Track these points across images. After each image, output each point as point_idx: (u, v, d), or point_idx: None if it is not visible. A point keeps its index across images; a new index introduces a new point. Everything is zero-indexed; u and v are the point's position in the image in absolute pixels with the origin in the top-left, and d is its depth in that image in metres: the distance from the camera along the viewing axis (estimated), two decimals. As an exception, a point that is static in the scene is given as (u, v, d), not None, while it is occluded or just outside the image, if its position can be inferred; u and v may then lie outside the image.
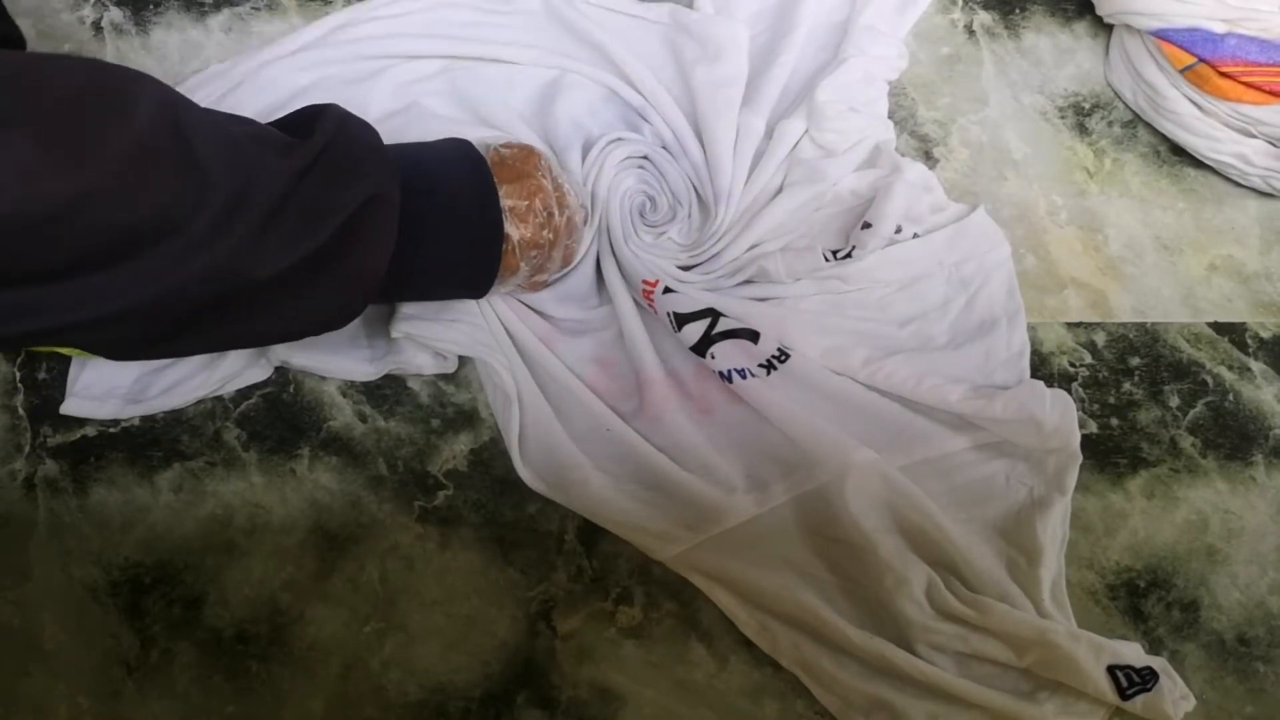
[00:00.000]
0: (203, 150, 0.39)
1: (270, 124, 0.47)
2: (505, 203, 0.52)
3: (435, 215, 0.50)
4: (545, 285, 0.59)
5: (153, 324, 0.41)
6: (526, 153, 0.54)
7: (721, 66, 0.64)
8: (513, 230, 0.52)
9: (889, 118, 0.67)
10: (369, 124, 0.48)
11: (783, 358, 0.57)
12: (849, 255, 0.59)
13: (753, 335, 0.57)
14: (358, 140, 0.47)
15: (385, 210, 0.46)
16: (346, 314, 0.50)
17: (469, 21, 0.67)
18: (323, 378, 0.59)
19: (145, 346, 0.45)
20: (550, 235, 0.54)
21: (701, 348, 0.57)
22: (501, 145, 0.54)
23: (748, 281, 0.60)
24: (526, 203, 0.52)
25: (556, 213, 0.54)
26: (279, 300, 0.45)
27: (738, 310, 0.58)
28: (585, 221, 0.58)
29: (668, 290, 0.58)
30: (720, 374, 0.56)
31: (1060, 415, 0.55)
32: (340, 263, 0.45)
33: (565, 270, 0.59)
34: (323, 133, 0.44)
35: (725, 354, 0.57)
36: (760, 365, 0.57)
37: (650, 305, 0.58)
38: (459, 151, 0.53)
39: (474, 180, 0.52)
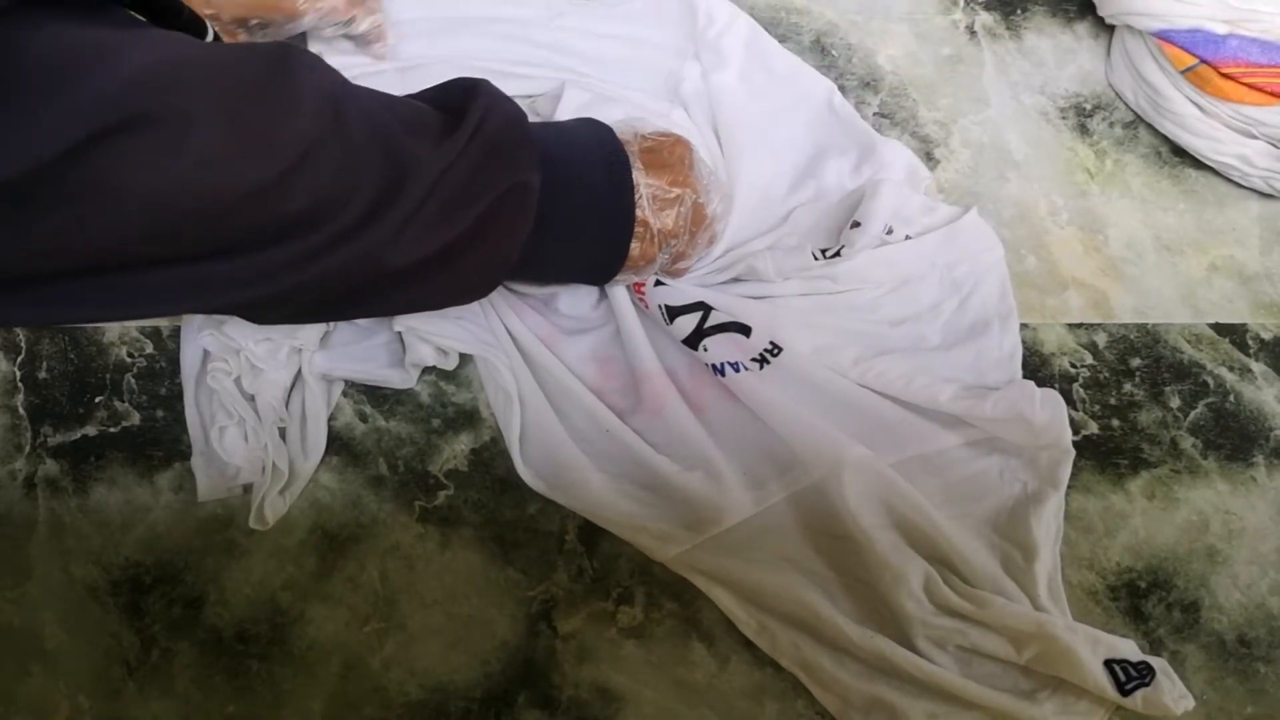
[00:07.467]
0: (359, 143, 0.40)
1: (422, 94, 0.47)
2: (649, 191, 0.51)
3: (568, 203, 0.50)
4: (688, 271, 0.58)
5: (295, 301, 0.42)
6: (675, 141, 0.54)
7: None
8: (653, 219, 0.52)
9: (889, 118, 0.67)
10: (517, 106, 0.47)
11: (775, 351, 0.57)
12: (838, 254, 0.59)
13: (744, 329, 0.57)
14: (505, 125, 0.46)
15: (523, 197, 0.46)
16: (475, 293, 0.50)
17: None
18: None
19: (284, 317, 0.47)
20: (692, 226, 0.53)
21: (694, 340, 0.57)
22: (652, 132, 0.53)
23: (737, 280, 0.60)
24: (672, 193, 0.52)
25: (700, 203, 0.53)
26: (411, 283, 0.45)
27: (728, 305, 0.58)
28: (726, 210, 0.57)
29: (659, 283, 0.58)
30: (713, 367, 0.56)
31: (1050, 414, 0.55)
32: (475, 249, 0.45)
33: (706, 254, 0.59)
34: (473, 116, 0.44)
35: (718, 347, 0.57)
36: (753, 359, 0.57)
37: (642, 300, 0.58)
38: (598, 138, 0.52)
39: (610, 169, 0.51)
